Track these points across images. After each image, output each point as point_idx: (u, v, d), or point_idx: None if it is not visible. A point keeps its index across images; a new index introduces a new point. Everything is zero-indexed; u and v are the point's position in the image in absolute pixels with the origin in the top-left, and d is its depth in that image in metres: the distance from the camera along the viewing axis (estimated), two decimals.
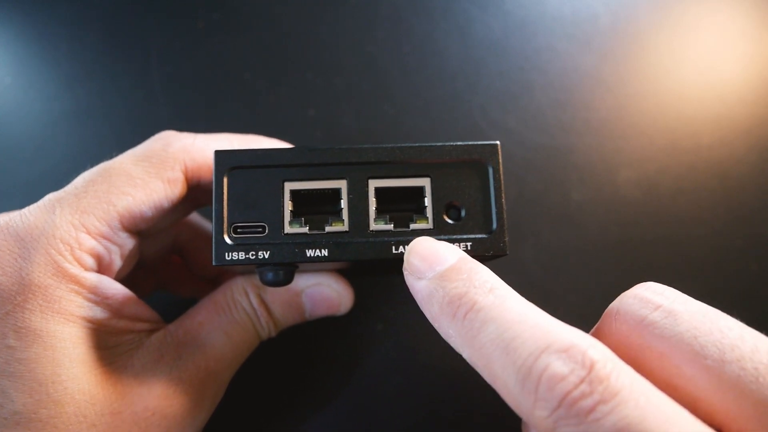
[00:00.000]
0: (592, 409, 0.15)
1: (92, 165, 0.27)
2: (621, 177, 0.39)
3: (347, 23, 0.44)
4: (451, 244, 0.22)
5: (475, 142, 0.24)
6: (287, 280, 0.24)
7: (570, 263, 0.38)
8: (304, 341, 0.37)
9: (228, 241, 0.24)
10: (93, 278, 0.25)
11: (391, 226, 0.24)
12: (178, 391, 0.25)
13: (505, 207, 0.24)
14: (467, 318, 0.19)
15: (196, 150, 0.27)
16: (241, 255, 0.23)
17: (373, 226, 0.24)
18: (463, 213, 0.24)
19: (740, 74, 0.42)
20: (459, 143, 0.24)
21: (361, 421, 0.35)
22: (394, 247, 0.23)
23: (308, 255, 0.23)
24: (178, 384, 0.25)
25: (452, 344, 0.20)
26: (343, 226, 0.24)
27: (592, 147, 0.40)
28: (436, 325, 0.20)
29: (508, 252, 0.24)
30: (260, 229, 0.24)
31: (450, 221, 0.24)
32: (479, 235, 0.24)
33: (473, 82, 0.42)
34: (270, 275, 0.24)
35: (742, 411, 0.17)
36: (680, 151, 0.40)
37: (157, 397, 0.24)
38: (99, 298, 0.25)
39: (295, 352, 0.36)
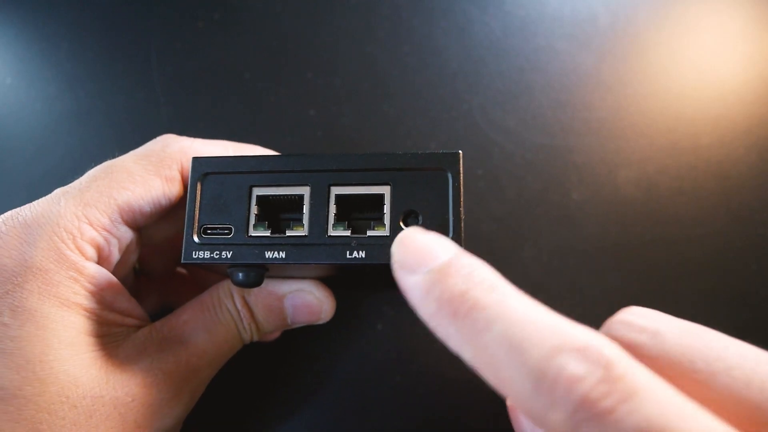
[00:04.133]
0: (613, 410, 0.15)
1: (93, 165, 0.29)
2: (621, 177, 0.40)
3: (347, 23, 0.44)
4: (444, 237, 0.21)
5: (436, 151, 0.25)
6: (257, 281, 0.25)
7: (570, 263, 0.38)
8: (304, 341, 0.37)
9: (196, 240, 0.25)
10: (92, 268, 0.26)
11: (348, 232, 0.24)
12: (157, 382, 0.26)
13: (463, 216, 0.24)
14: (470, 317, 0.18)
15: (193, 152, 0.28)
16: (207, 254, 0.25)
17: (331, 231, 0.25)
18: (420, 220, 0.24)
19: (740, 74, 0.42)
20: (420, 152, 0.25)
21: (361, 420, 0.35)
22: (348, 252, 0.24)
23: (267, 256, 0.25)
24: (159, 375, 0.26)
25: (451, 344, 0.19)
26: (302, 231, 0.25)
27: (592, 147, 0.40)
28: (432, 324, 0.19)
29: None
30: (227, 231, 0.25)
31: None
32: None
33: (473, 82, 0.42)
34: (240, 276, 0.25)
35: (740, 415, 0.17)
36: (680, 151, 0.40)
37: (138, 385, 0.25)
38: (95, 288, 0.26)
39: (296, 351, 0.36)
